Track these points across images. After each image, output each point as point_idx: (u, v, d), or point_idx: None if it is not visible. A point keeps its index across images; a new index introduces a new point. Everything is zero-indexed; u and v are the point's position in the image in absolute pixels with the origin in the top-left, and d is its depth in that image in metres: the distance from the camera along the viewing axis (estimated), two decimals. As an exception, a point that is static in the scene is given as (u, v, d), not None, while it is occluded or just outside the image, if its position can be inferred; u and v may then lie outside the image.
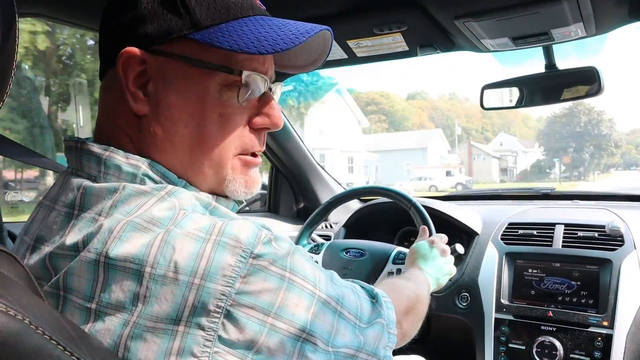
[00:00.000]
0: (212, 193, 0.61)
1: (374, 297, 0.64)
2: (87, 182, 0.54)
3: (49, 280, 0.51)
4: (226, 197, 0.62)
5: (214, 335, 0.46)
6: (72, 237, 0.50)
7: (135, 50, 0.54)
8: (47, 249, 0.53)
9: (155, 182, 0.55)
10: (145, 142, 0.57)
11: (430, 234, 1.20)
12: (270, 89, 0.62)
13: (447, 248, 1.07)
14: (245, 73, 0.57)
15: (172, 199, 0.51)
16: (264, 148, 0.64)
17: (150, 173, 0.55)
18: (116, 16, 0.57)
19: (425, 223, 1.26)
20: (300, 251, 0.54)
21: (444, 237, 1.11)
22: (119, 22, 0.57)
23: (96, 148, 0.55)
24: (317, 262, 1.36)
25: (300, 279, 0.51)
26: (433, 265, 1.01)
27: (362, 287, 0.66)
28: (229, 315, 0.47)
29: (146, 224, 0.49)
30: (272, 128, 0.62)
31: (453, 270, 1.08)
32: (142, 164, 0.55)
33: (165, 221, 0.49)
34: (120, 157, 0.55)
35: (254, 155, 0.62)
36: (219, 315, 0.46)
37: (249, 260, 0.48)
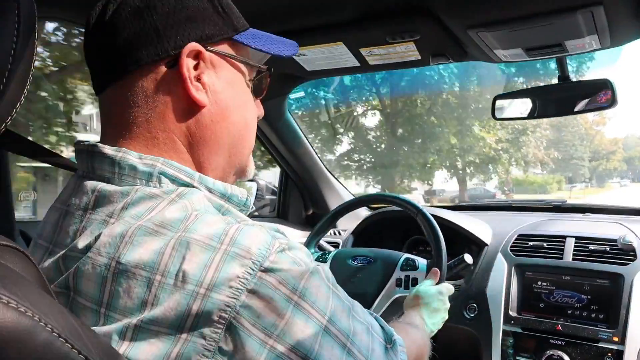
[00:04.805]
0: (234, 175, 0.65)
1: (390, 342, 0.62)
2: (101, 185, 0.54)
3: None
4: (239, 181, 0.67)
5: (215, 345, 0.46)
6: (84, 239, 0.51)
7: (197, 46, 0.57)
8: (61, 252, 0.53)
9: (173, 178, 0.55)
10: (205, 135, 0.59)
11: (441, 280, 1.16)
12: None
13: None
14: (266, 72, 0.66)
15: (183, 201, 0.52)
16: None
17: (167, 170, 0.55)
18: (154, 21, 0.56)
19: (434, 233, 1.25)
20: (318, 274, 0.52)
21: (451, 289, 1.10)
22: (160, 25, 0.55)
23: (108, 150, 0.55)
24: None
25: (309, 306, 0.50)
26: (436, 318, 1.02)
27: (382, 327, 0.64)
28: (231, 328, 0.46)
29: (157, 227, 0.49)
30: (260, 117, 0.70)
31: (446, 317, 1.07)
32: (157, 163, 0.55)
33: (177, 223, 0.49)
34: (134, 158, 0.55)
35: None
36: (221, 327, 0.46)
37: (258, 273, 0.47)
